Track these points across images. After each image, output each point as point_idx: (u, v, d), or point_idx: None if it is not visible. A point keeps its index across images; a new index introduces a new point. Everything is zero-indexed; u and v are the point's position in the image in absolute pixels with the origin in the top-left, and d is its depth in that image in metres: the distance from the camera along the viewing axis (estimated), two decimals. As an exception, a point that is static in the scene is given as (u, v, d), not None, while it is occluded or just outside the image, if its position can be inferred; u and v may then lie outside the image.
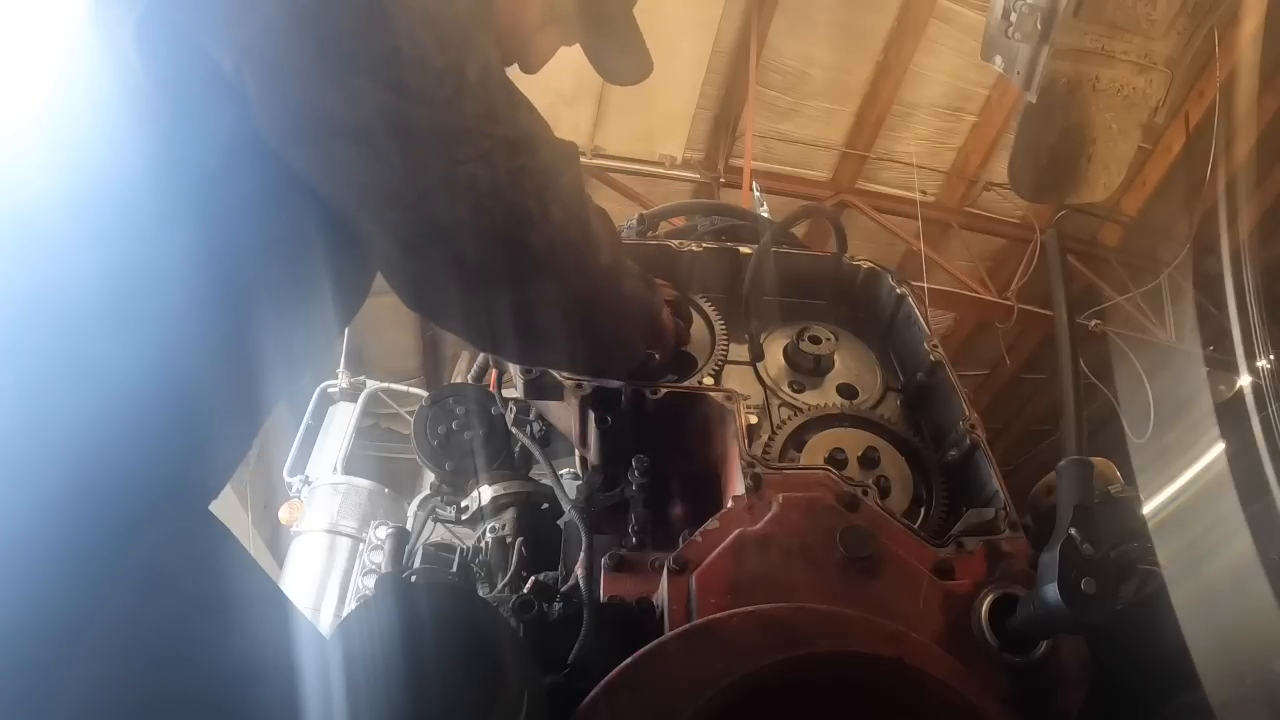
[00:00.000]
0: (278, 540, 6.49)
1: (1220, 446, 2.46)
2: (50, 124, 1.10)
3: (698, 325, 1.91)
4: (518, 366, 1.82)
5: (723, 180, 7.97)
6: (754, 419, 1.76)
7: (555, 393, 1.77)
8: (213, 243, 1.12)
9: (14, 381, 0.99)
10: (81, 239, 1.05)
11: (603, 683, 1.14)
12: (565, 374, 1.74)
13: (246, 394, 1.24)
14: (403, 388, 7.28)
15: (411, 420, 2.33)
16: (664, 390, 1.70)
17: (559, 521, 1.92)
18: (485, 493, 2.14)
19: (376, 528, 4.34)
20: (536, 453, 1.99)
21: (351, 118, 1.10)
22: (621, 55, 1.82)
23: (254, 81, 1.09)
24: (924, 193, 8.08)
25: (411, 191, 1.15)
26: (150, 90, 1.10)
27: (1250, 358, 4.85)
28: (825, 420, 1.79)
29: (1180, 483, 1.72)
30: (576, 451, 1.91)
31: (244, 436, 1.30)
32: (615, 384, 1.72)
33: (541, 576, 1.71)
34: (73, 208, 1.06)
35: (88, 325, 1.03)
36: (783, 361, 1.96)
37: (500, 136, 1.19)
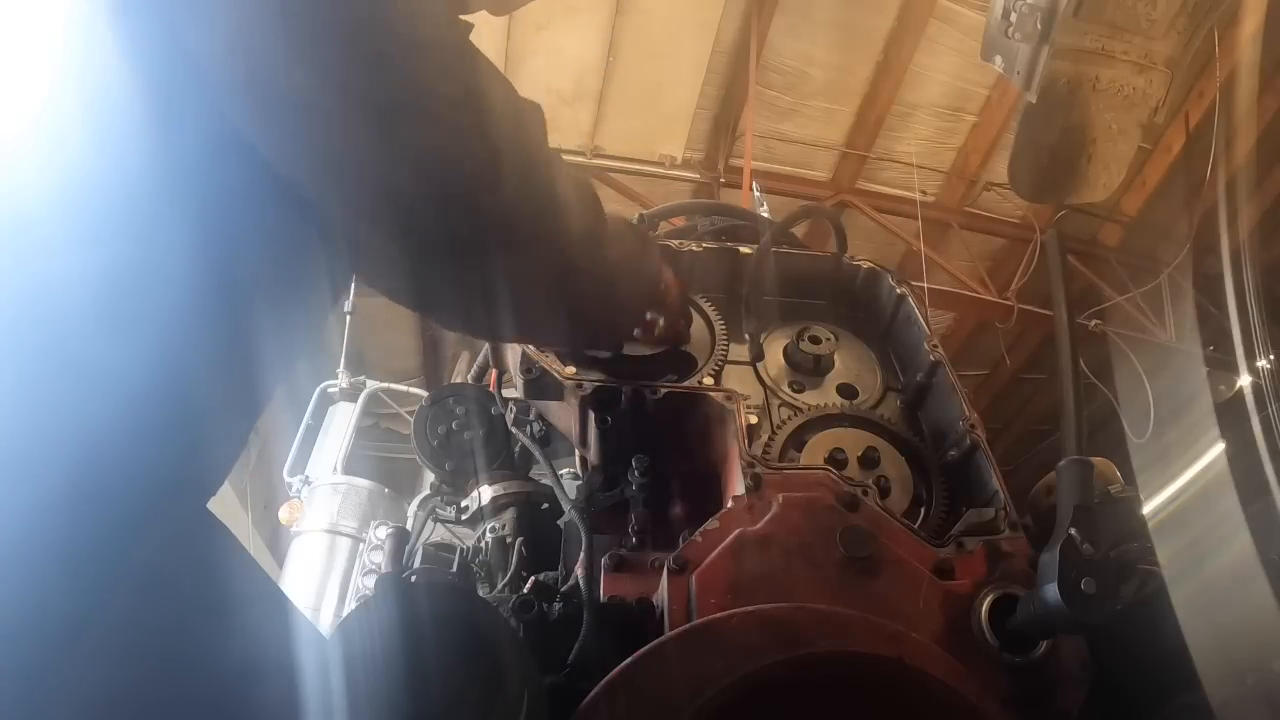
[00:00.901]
0: (278, 540, 6.49)
1: (1220, 446, 2.47)
2: (42, 125, 1.10)
3: (698, 325, 1.91)
4: (518, 366, 1.81)
5: (723, 180, 7.98)
6: (754, 419, 1.76)
7: (555, 393, 1.77)
8: (208, 236, 1.11)
9: (14, 383, 0.99)
10: (79, 239, 1.05)
11: (603, 683, 1.13)
12: (557, 352, 1.70)
13: (243, 389, 1.23)
14: (403, 388, 7.28)
15: (411, 420, 2.34)
16: (664, 390, 1.70)
17: (559, 521, 1.92)
18: (485, 493, 2.14)
19: (376, 528, 4.35)
20: (536, 453, 1.99)
21: (305, 89, 1.07)
22: None
23: (215, 58, 1.06)
24: (924, 193, 8.09)
25: (359, 158, 1.11)
26: (135, 83, 1.09)
27: (1250, 358, 4.86)
28: (825, 420, 1.79)
29: (1180, 483, 1.72)
30: (576, 451, 1.91)
31: (241, 432, 1.29)
32: (608, 360, 1.70)
33: (541, 576, 1.71)
34: (69, 208, 1.06)
35: (86, 325, 1.03)
36: (783, 361, 1.95)
37: (446, 94, 1.12)
